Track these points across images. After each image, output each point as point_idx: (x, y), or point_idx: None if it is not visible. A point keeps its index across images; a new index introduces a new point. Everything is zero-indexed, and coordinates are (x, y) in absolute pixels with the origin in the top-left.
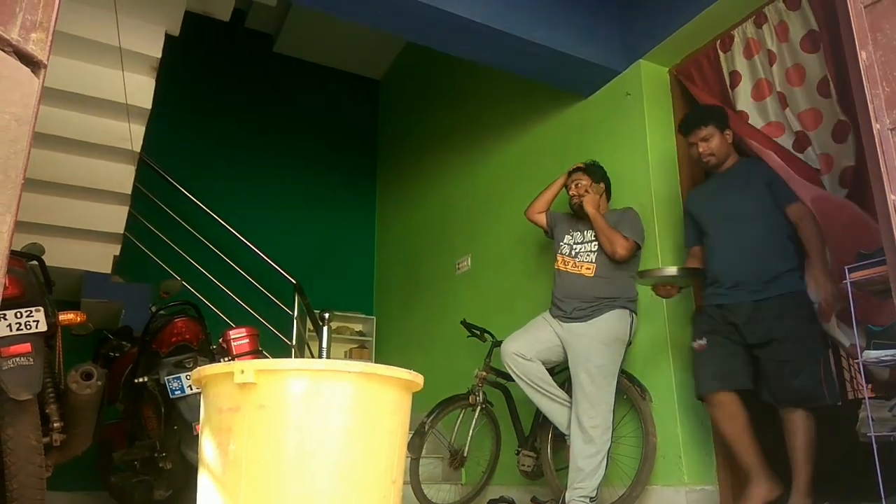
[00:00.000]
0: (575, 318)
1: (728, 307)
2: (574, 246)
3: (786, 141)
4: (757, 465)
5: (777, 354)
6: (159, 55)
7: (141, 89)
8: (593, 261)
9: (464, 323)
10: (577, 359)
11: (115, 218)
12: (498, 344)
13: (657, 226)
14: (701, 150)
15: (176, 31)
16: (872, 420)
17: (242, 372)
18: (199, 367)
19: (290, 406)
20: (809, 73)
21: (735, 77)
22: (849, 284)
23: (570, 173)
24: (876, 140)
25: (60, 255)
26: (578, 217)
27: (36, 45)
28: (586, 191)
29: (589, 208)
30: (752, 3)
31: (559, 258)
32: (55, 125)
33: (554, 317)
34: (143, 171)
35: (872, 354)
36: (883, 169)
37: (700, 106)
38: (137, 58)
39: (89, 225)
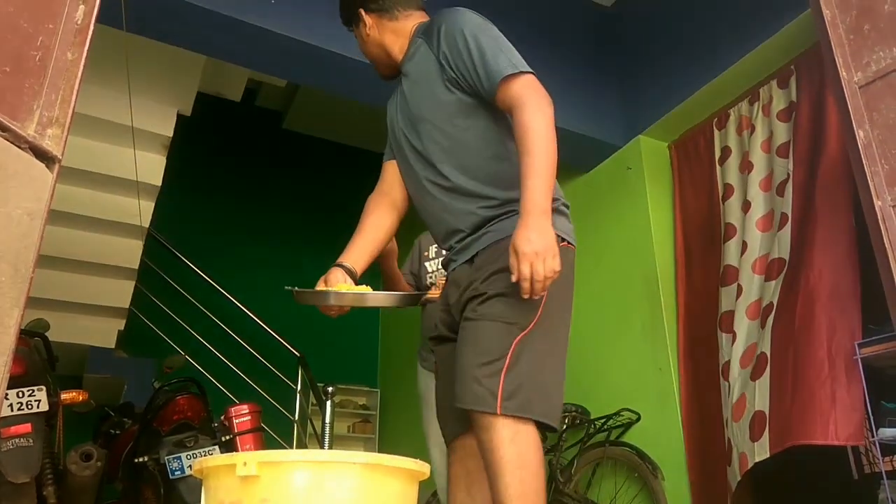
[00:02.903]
0: None
1: (451, 280)
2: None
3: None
4: None
5: (468, 311)
6: (171, 134)
7: (151, 167)
8: None
9: None
10: None
11: (122, 293)
12: None
13: (663, 298)
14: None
15: (188, 111)
16: (893, 503)
17: (245, 464)
18: (200, 459)
19: (294, 500)
20: (774, 140)
21: (726, 152)
22: (859, 361)
23: None
24: (878, 217)
25: (65, 329)
26: None
27: (51, 141)
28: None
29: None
30: (749, 81)
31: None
32: (65, 202)
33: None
34: (150, 244)
35: (888, 433)
36: (887, 244)
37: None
38: (149, 137)
39: (95, 300)
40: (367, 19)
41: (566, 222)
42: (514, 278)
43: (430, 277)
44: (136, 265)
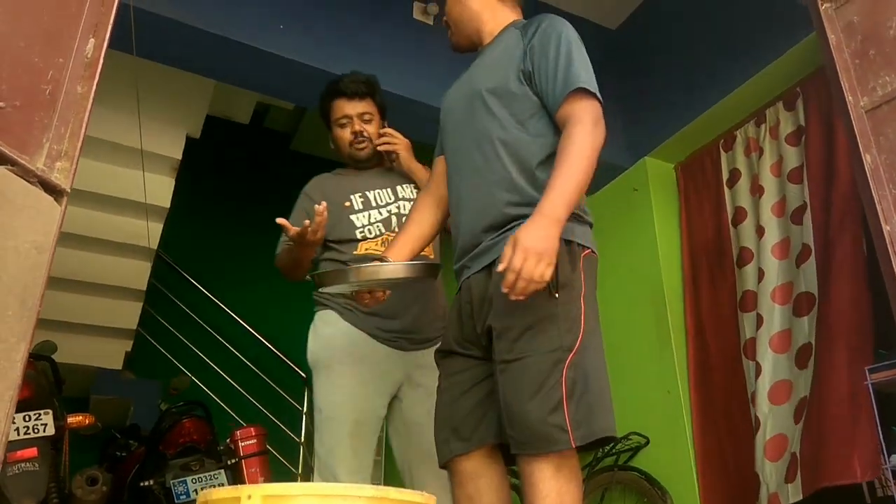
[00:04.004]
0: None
1: (464, 289)
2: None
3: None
4: None
5: (502, 352)
6: (180, 156)
7: (160, 189)
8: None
9: None
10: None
11: (129, 314)
12: None
13: (671, 319)
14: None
15: (197, 134)
16: None
17: (249, 497)
18: (204, 492)
19: None
20: (785, 164)
21: (735, 174)
22: (870, 386)
23: (330, 98)
24: (887, 241)
25: (72, 351)
26: (365, 168)
27: (60, 174)
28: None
29: (408, 163)
30: (754, 103)
31: (364, 245)
32: (73, 224)
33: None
34: (157, 266)
35: None
36: None
37: None
38: (158, 159)
39: (103, 321)
40: None
41: (590, 234)
42: (501, 267)
43: (363, 232)
44: (143, 286)
